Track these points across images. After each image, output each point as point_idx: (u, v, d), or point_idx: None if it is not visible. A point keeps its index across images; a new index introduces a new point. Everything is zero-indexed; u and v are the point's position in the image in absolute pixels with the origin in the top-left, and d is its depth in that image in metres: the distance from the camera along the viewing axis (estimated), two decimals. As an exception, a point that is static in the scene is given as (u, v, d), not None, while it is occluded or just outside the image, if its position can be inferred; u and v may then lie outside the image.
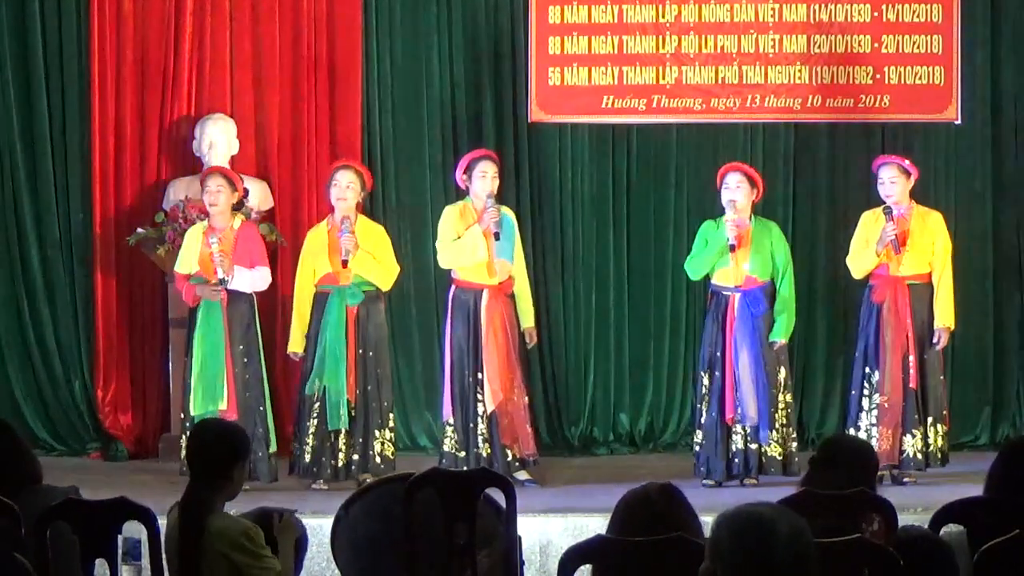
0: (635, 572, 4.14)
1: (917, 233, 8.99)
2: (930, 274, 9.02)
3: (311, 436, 8.92)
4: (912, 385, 8.92)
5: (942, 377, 9.16)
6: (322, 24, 10.33)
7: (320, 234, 9.04)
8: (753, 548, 3.22)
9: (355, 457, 8.91)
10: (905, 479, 8.97)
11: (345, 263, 8.85)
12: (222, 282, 8.84)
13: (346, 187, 8.95)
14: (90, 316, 10.33)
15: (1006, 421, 10.48)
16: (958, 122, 10.38)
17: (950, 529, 4.96)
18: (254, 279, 9.03)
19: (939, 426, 9.01)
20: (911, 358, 8.93)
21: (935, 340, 9.00)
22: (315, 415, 8.92)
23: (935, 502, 5.32)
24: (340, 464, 8.91)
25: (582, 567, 4.21)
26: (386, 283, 9.11)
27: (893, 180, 8.98)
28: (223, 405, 8.82)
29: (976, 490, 5.34)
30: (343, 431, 8.90)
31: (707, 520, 3.64)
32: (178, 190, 10.05)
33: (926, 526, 4.88)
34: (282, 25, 10.34)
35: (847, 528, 4.53)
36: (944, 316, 8.99)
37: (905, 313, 8.94)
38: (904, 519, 4.98)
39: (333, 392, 8.87)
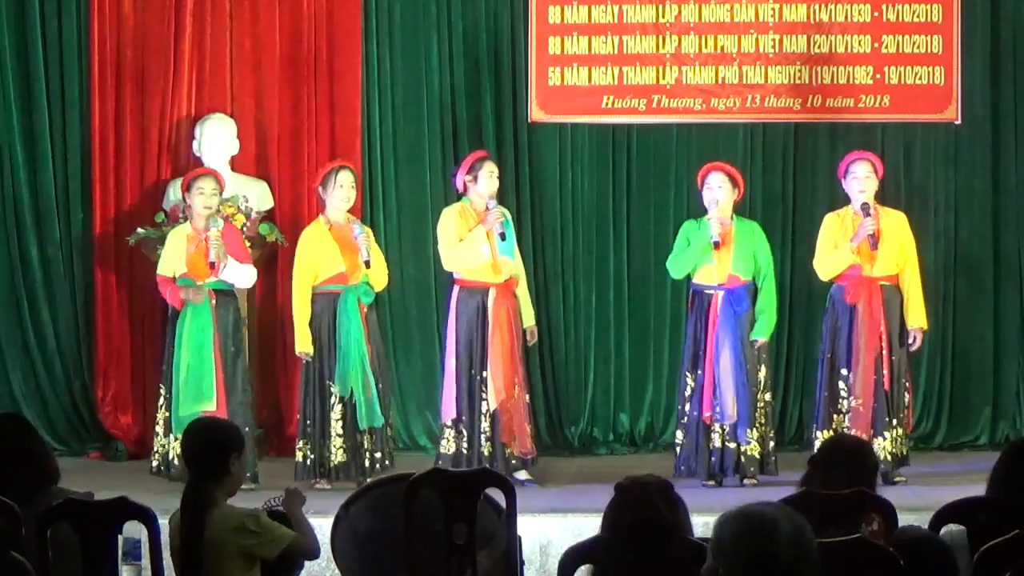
0: (635, 572, 4.14)
1: (886, 233, 8.96)
2: (899, 275, 9.00)
3: (337, 438, 8.83)
4: (885, 387, 8.88)
5: (906, 382, 9.12)
6: (322, 24, 10.32)
7: (321, 234, 8.97)
8: (755, 548, 3.23)
9: (378, 455, 8.89)
10: (896, 479, 8.91)
11: (368, 263, 8.84)
12: (212, 265, 8.77)
13: (351, 187, 8.97)
14: (90, 316, 10.32)
15: (1006, 421, 10.46)
16: (958, 122, 10.37)
17: (950, 529, 4.96)
18: (246, 274, 9.03)
19: (899, 429, 8.98)
20: (884, 359, 8.90)
21: (910, 341, 8.98)
22: (339, 417, 8.86)
23: (935, 502, 5.32)
24: (367, 464, 8.85)
25: (582, 567, 4.22)
26: (383, 284, 9.14)
27: (868, 176, 8.96)
28: (212, 406, 8.71)
29: (976, 490, 5.34)
30: (372, 429, 8.86)
31: (707, 520, 3.64)
32: (178, 190, 10.04)
33: (926, 526, 4.89)
34: (282, 25, 10.33)
35: (847, 528, 4.54)
36: (917, 317, 8.96)
37: (879, 314, 8.89)
38: (904, 519, 4.98)
39: (361, 391, 8.84)
